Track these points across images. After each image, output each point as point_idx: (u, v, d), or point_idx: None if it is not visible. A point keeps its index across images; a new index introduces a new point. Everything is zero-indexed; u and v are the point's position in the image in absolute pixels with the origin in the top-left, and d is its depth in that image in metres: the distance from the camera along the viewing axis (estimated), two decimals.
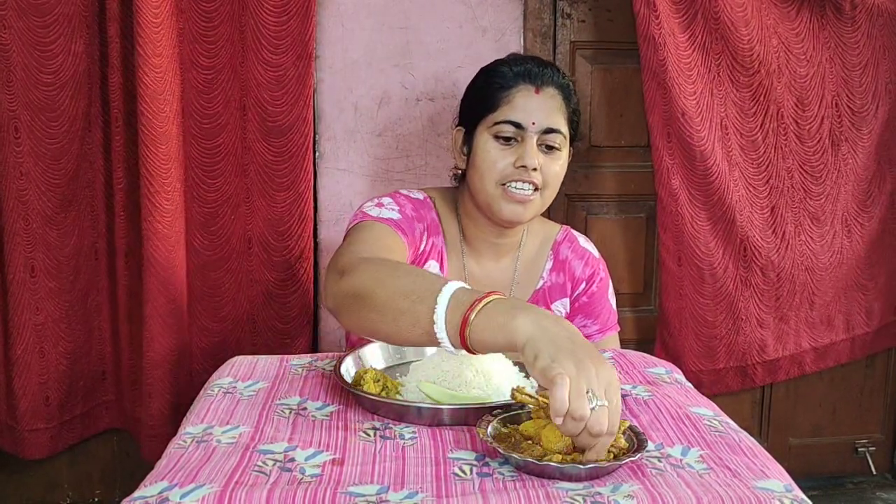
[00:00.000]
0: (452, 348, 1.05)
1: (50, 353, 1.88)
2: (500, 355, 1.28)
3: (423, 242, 1.52)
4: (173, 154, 1.79)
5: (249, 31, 1.84)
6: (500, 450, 0.96)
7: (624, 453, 0.96)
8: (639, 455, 0.96)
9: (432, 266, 1.53)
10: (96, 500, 2.11)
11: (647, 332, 2.27)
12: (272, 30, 1.84)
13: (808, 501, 0.91)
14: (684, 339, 2.18)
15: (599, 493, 0.89)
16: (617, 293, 2.20)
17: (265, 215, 1.93)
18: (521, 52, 2.06)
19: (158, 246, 1.79)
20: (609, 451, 0.95)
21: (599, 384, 0.91)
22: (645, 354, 1.44)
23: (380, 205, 1.49)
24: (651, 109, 2.05)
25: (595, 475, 0.93)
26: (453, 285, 1.05)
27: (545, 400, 1.00)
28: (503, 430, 1.02)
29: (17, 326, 1.84)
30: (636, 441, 0.98)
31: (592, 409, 0.90)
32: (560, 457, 0.94)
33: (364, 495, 0.89)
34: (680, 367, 2.16)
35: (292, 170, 1.91)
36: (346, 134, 2.03)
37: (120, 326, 1.92)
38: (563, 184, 2.13)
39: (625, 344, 2.11)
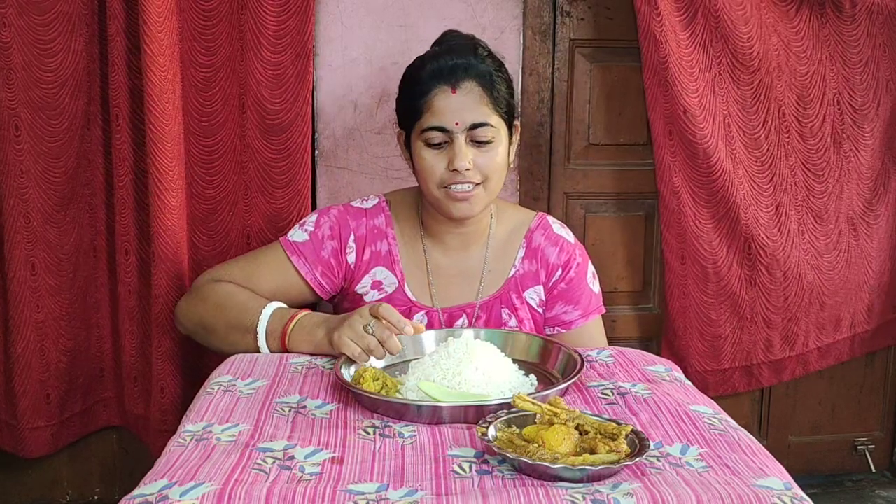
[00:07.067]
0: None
1: (50, 350, 1.88)
2: (499, 354, 1.28)
3: (354, 255, 1.57)
4: (178, 151, 1.80)
5: (248, 29, 1.84)
6: (494, 448, 0.96)
7: (627, 456, 0.96)
8: (641, 457, 0.96)
9: (379, 273, 1.56)
10: (96, 497, 2.11)
11: (647, 330, 2.26)
12: (271, 28, 1.84)
13: (808, 499, 0.91)
14: (689, 339, 2.17)
15: (599, 492, 0.89)
16: (616, 291, 2.22)
17: (264, 212, 1.93)
18: (521, 50, 2.06)
19: (168, 242, 1.79)
20: (612, 455, 0.96)
21: (361, 318, 1.29)
22: (644, 352, 1.44)
23: (301, 224, 1.60)
24: (652, 107, 2.04)
25: (596, 477, 0.93)
26: (264, 320, 1.44)
27: (550, 407, 1.01)
28: (506, 430, 1.02)
29: (18, 324, 1.84)
30: (638, 444, 0.99)
31: (370, 330, 1.28)
32: (564, 458, 0.94)
33: (363, 493, 0.89)
34: (685, 368, 2.17)
35: (291, 167, 1.91)
36: (346, 132, 2.03)
37: (120, 323, 1.92)
38: (561, 182, 2.17)
39: (626, 342, 2.12)
